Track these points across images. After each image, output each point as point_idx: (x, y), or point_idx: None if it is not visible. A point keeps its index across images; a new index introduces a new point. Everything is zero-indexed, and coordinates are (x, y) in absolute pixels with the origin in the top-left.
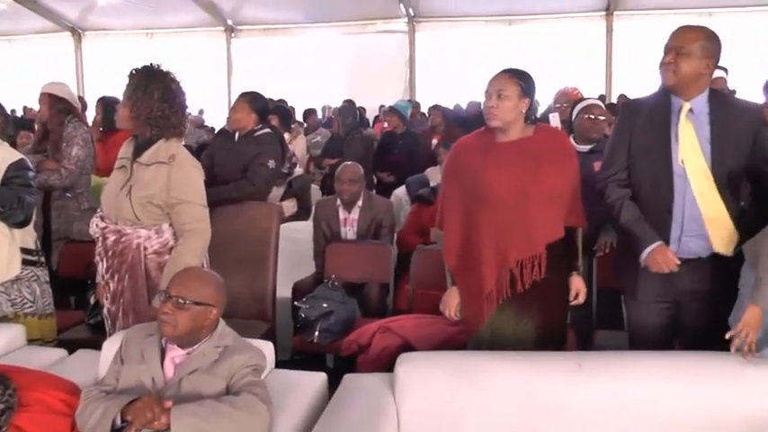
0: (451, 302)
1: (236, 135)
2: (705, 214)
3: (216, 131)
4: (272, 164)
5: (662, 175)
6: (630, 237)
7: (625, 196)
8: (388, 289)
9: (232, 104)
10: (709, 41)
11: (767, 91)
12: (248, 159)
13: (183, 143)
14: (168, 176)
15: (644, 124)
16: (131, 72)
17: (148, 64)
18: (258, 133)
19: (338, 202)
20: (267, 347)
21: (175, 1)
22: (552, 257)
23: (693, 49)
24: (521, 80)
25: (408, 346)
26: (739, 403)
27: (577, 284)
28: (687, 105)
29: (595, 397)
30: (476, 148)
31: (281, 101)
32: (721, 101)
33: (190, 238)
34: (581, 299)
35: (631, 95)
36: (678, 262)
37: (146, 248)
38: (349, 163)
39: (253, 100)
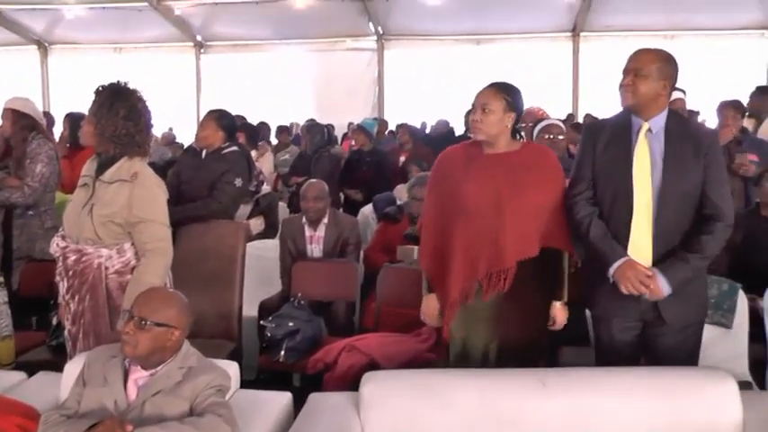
0: (430, 310)
1: (204, 153)
2: (633, 232)
3: (184, 149)
4: (238, 182)
5: (621, 193)
6: (598, 254)
7: (593, 213)
8: (355, 307)
9: (200, 122)
10: (665, 63)
11: (720, 112)
12: (215, 177)
13: (149, 161)
14: (130, 195)
15: (606, 143)
16: (98, 89)
17: (115, 81)
18: (225, 151)
19: (304, 219)
20: (232, 367)
21: (144, 16)
22: (529, 276)
23: (651, 70)
24: (507, 95)
25: (374, 365)
26: (700, 417)
27: (556, 313)
28: (646, 125)
29: (559, 413)
30: (460, 159)
31: (242, 117)
32: (679, 122)
33: (151, 257)
34: (557, 326)
35: (598, 114)
36: (650, 273)
37: (107, 268)
38: (314, 180)
39: (220, 117)
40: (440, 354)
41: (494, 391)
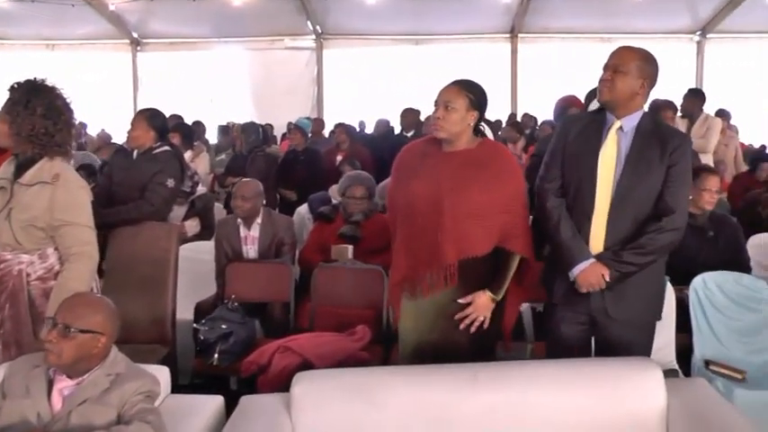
0: None
1: (135, 153)
2: (593, 227)
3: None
4: (171, 183)
5: (585, 186)
6: (564, 251)
7: (561, 206)
8: (290, 308)
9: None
10: (646, 63)
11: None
12: (147, 178)
13: (79, 163)
14: (52, 197)
15: (577, 135)
16: (12, 86)
17: (32, 78)
18: (157, 151)
19: (239, 220)
20: (162, 372)
21: (78, 11)
22: (480, 275)
23: (630, 68)
24: (470, 93)
25: (308, 365)
26: (626, 405)
27: (479, 301)
28: (618, 123)
29: (491, 408)
30: (417, 155)
31: (178, 116)
32: (652, 123)
33: (76, 261)
34: (472, 314)
35: (537, 114)
36: (608, 279)
37: (29, 275)
38: (246, 179)
39: (151, 117)
40: (374, 353)
41: (426, 388)
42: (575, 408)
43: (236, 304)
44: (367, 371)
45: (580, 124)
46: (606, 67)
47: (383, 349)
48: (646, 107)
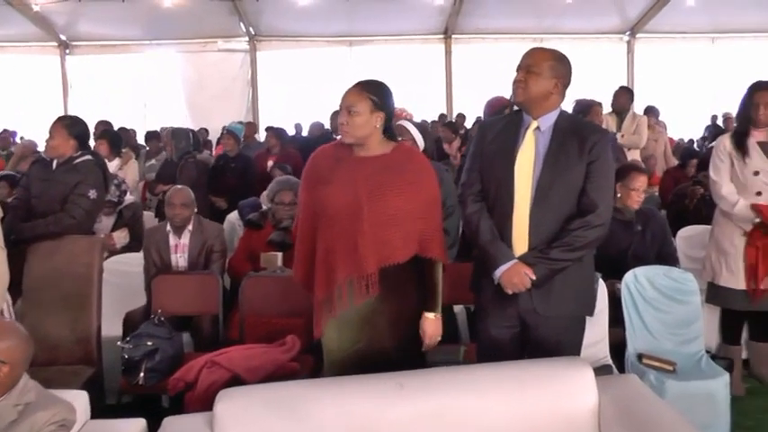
0: None
1: (54, 163)
2: (515, 228)
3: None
4: (93, 194)
5: (503, 187)
6: (486, 255)
7: (481, 210)
8: (219, 319)
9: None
10: (558, 63)
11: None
12: (67, 190)
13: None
14: None
15: (494, 137)
16: None
17: None
18: (77, 161)
19: (168, 227)
20: (80, 398)
21: (1, 12)
22: (402, 282)
23: (543, 68)
24: (372, 94)
25: (238, 379)
26: (558, 405)
27: (427, 326)
28: (535, 123)
29: (418, 416)
30: (330, 159)
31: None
32: (569, 121)
33: None
34: (428, 340)
35: (470, 115)
36: (534, 277)
37: None
38: (180, 186)
39: (71, 125)
40: (305, 363)
41: (351, 399)
42: (504, 412)
43: (162, 319)
44: (291, 384)
45: (497, 127)
46: (519, 68)
47: (314, 359)
48: (571, 106)
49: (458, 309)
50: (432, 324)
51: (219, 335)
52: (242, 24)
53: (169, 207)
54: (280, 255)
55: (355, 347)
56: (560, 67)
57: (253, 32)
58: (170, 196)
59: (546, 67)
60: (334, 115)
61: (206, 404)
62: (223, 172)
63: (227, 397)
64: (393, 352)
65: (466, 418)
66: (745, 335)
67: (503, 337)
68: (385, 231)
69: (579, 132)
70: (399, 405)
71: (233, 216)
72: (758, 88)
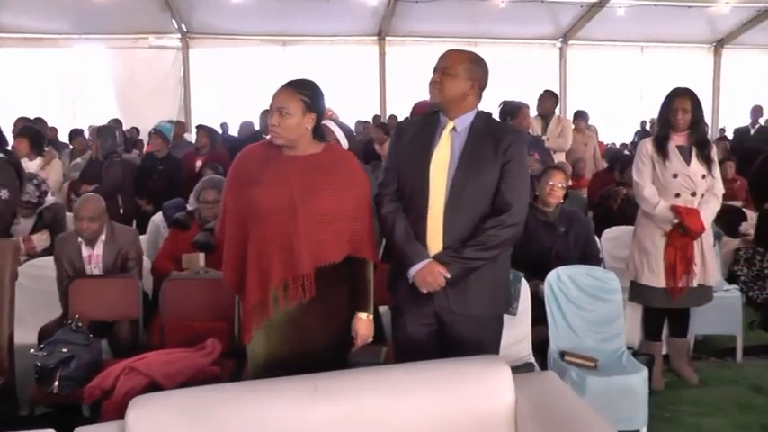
0: None
1: None
2: (429, 228)
3: None
4: (4, 194)
5: (418, 187)
6: (400, 254)
7: (396, 209)
8: (138, 324)
9: None
10: (474, 65)
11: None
12: None
13: None
14: None
15: (410, 139)
16: None
17: None
18: None
19: (79, 238)
20: None
21: None
22: (333, 283)
23: (459, 70)
24: (305, 95)
25: (156, 386)
26: (475, 404)
27: (359, 326)
28: (451, 124)
29: (334, 418)
30: (258, 159)
31: (39, 119)
32: (485, 122)
33: None
34: (359, 341)
35: (403, 116)
36: (448, 276)
37: None
38: (89, 195)
39: None
40: (225, 367)
41: (267, 404)
42: (420, 412)
43: (80, 324)
44: (208, 389)
45: (415, 128)
46: (435, 70)
47: (236, 362)
48: (496, 108)
49: (383, 309)
50: (364, 324)
51: (139, 340)
52: (174, 21)
53: (77, 220)
54: (202, 255)
55: (283, 350)
56: (476, 69)
57: (185, 29)
58: (77, 209)
59: (461, 69)
60: (264, 115)
61: (123, 412)
62: (149, 173)
63: (139, 404)
64: (322, 353)
65: (382, 419)
66: (665, 331)
67: (419, 335)
68: (319, 231)
69: (494, 133)
70: (316, 408)
71: (158, 218)
72: (676, 95)
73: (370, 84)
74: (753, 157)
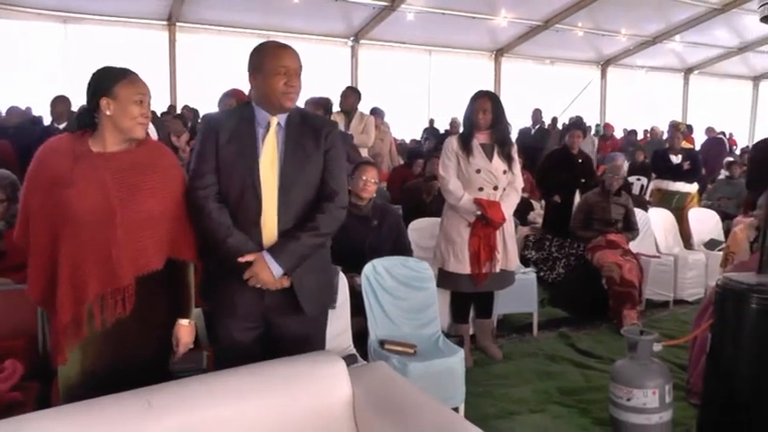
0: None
1: None
2: (264, 229)
3: None
4: None
5: (249, 184)
6: (232, 252)
7: (220, 209)
8: None
9: None
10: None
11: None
12: None
13: None
14: None
15: (229, 136)
16: None
17: None
18: None
19: None
20: None
21: None
22: (153, 291)
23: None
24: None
25: None
26: (313, 402)
27: (182, 333)
28: (275, 119)
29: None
30: (65, 156)
31: None
32: (301, 116)
33: None
34: (181, 348)
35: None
36: (282, 271)
37: None
38: None
39: None
40: (29, 391)
41: (94, 424)
42: (261, 416)
43: None
44: (12, 422)
45: (230, 125)
46: (289, 72)
47: (41, 385)
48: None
49: (196, 311)
50: (186, 331)
51: None
52: None
53: None
54: None
55: (99, 365)
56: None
57: None
58: None
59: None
60: (56, 101)
61: None
62: None
63: None
64: (143, 365)
65: (223, 427)
66: (472, 313)
67: (247, 340)
68: (140, 237)
69: (312, 125)
70: (151, 425)
71: None
72: (478, 97)
73: (159, 71)
74: (533, 153)
